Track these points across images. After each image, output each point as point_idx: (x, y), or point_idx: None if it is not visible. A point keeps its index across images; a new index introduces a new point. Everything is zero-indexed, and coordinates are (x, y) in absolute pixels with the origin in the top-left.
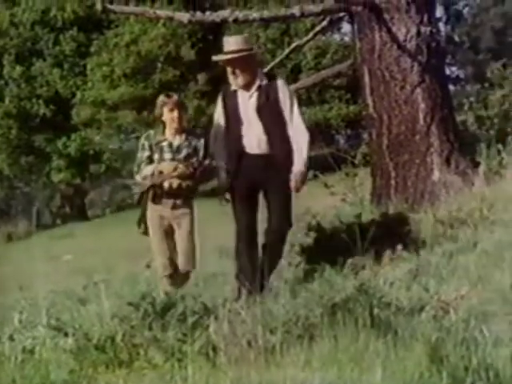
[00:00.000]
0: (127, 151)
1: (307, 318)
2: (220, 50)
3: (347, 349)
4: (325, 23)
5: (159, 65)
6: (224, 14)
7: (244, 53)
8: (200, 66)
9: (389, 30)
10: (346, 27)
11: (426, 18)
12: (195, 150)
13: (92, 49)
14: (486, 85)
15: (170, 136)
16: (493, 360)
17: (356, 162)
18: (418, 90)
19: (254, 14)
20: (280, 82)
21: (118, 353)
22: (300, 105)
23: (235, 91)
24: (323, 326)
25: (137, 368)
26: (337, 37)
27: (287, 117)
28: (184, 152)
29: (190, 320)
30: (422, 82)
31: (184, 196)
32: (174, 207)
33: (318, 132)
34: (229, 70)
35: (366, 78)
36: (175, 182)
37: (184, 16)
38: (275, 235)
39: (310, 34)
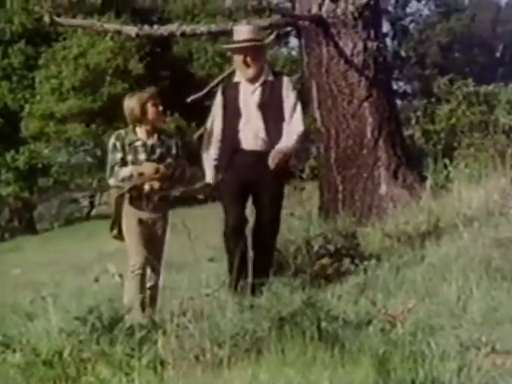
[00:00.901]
0: (75, 164)
1: (255, 332)
2: (168, 64)
3: (295, 362)
4: (272, 37)
5: (108, 78)
6: (172, 27)
7: (258, 43)
8: (148, 79)
9: (336, 45)
10: (293, 41)
11: (372, 34)
12: (168, 150)
13: (40, 62)
14: (433, 99)
15: (144, 135)
16: (439, 373)
17: (304, 175)
18: (366, 105)
19: (202, 28)
20: (286, 80)
21: (66, 368)
22: None
23: (237, 83)
24: (271, 339)
25: (84, 383)
26: (284, 51)
27: (287, 114)
28: (158, 152)
29: (137, 334)
30: (370, 96)
31: (163, 199)
32: (154, 210)
33: None
34: (239, 59)
35: (314, 92)
36: (156, 184)
37: (132, 30)
38: (265, 232)
39: None
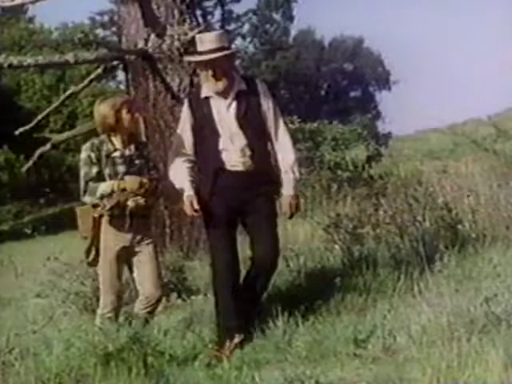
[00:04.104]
0: None
1: (80, 368)
2: None
3: None
4: (99, 71)
5: None
6: None
7: (227, 51)
8: None
9: (163, 80)
10: (121, 75)
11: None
12: (147, 161)
13: None
14: None
15: (120, 145)
16: None
17: None
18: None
19: (29, 60)
20: (261, 87)
21: None
22: (77, 152)
23: (207, 99)
24: (96, 375)
25: None
26: (112, 84)
27: (270, 128)
28: (137, 163)
29: None
30: None
31: (146, 216)
32: (138, 230)
33: None
34: (208, 73)
35: (142, 127)
36: (141, 200)
37: None
38: (264, 266)
39: (85, 81)
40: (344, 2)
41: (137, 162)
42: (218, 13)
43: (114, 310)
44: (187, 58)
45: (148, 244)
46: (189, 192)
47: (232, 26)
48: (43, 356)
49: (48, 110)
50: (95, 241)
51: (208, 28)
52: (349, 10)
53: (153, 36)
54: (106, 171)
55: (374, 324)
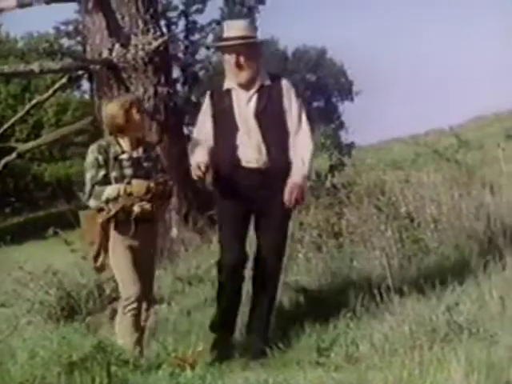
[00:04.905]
0: None
1: (44, 378)
2: None
3: None
4: (64, 80)
5: None
6: None
7: (252, 40)
8: None
9: (127, 89)
10: (86, 84)
11: (163, 79)
12: (155, 164)
13: None
14: None
15: (128, 147)
16: None
17: None
18: (157, 149)
19: None
20: (285, 84)
21: None
22: (42, 161)
23: (229, 91)
24: None
25: None
26: (77, 94)
27: (292, 127)
28: (145, 166)
29: None
30: (161, 141)
31: (152, 220)
32: (144, 235)
33: (60, 189)
34: (231, 60)
35: (106, 136)
36: (147, 206)
37: None
38: (271, 260)
39: (50, 91)
40: (307, 13)
41: (145, 164)
42: (182, 23)
43: (137, 301)
44: (214, 44)
45: (151, 248)
46: (199, 159)
47: (196, 37)
48: (8, 365)
49: (13, 120)
50: (104, 245)
51: (172, 38)
52: (312, 21)
53: (117, 46)
54: (113, 174)
55: (336, 333)
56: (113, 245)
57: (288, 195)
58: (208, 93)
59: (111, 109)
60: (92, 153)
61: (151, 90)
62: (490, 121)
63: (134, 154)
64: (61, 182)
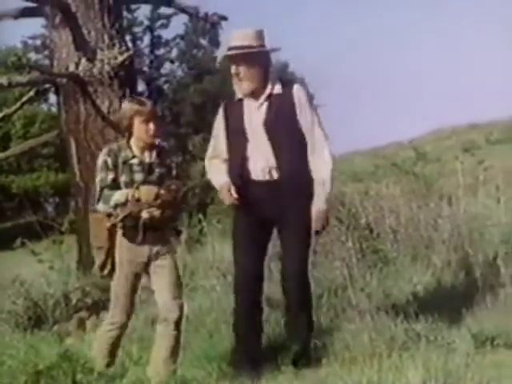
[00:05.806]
0: None
1: None
2: None
3: None
4: (32, 93)
5: None
6: None
7: (249, 50)
8: None
9: (93, 103)
10: (53, 98)
11: (128, 92)
12: (169, 171)
13: None
14: (188, 157)
15: (139, 152)
16: None
17: (63, 229)
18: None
19: None
20: (297, 90)
21: None
22: (10, 173)
23: (241, 100)
24: None
25: None
26: (44, 107)
27: (307, 136)
28: (157, 172)
29: None
30: None
31: (162, 228)
32: (154, 243)
33: (27, 200)
34: (232, 72)
35: (73, 148)
36: (156, 212)
37: None
38: (293, 282)
39: (18, 104)
40: (269, 27)
41: (157, 170)
42: (147, 38)
43: (120, 328)
44: (219, 54)
45: (166, 257)
46: (224, 179)
47: (161, 51)
48: None
49: None
50: (111, 253)
51: (137, 53)
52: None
53: (83, 60)
54: (122, 178)
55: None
56: (120, 261)
57: (315, 223)
58: (222, 105)
59: (123, 108)
60: (102, 156)
61: (117, 103)
62: (447, 134)
63: (147, 159)
64: (28, 193)
